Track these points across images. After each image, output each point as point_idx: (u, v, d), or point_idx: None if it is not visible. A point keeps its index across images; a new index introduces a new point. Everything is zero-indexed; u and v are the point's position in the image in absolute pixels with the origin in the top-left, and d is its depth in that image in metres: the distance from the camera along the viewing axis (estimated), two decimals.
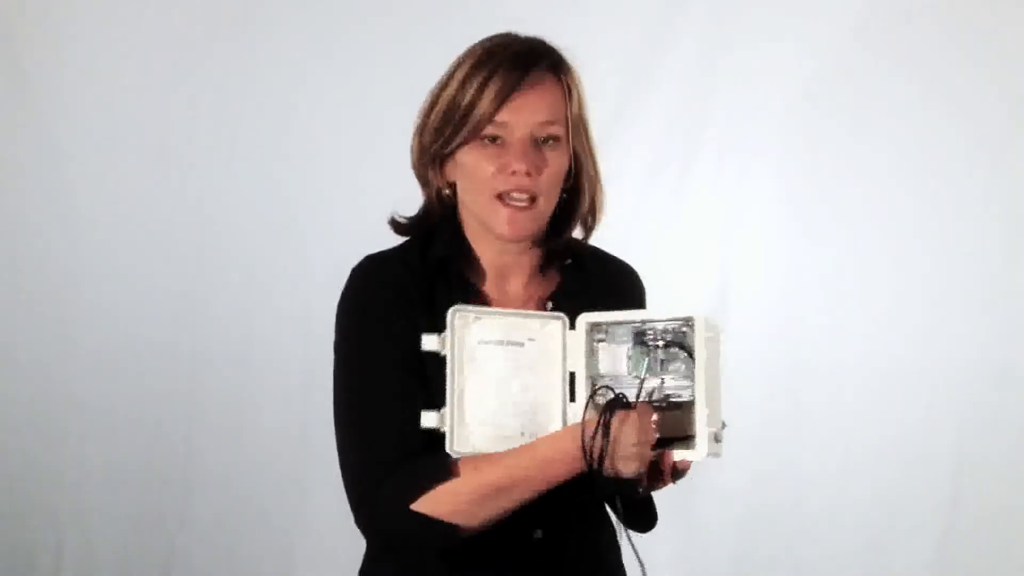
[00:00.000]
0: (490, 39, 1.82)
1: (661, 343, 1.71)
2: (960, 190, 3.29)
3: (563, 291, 1.85)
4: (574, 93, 1.82)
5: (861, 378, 3.30)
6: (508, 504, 1.69)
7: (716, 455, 1.68)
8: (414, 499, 1.67)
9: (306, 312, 3.24)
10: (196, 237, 3.39)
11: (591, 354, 1.73)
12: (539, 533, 1.80)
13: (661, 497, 1.81)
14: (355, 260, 1.86)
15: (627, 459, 1.63)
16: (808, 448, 3.30)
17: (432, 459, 1.68)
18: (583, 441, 1.63)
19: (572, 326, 1.73)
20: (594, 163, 1.86)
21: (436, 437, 1.70)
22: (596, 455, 1.62)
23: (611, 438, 1.62)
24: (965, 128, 3.28)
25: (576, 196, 1.85)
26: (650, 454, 1.65)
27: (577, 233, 1.90)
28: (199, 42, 3.37)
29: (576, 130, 1.81)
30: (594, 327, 1.73)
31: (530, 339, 1.73)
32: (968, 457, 3.27)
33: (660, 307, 1.73)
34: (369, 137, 3.27)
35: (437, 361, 1.71)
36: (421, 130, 1.82)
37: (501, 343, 1.72)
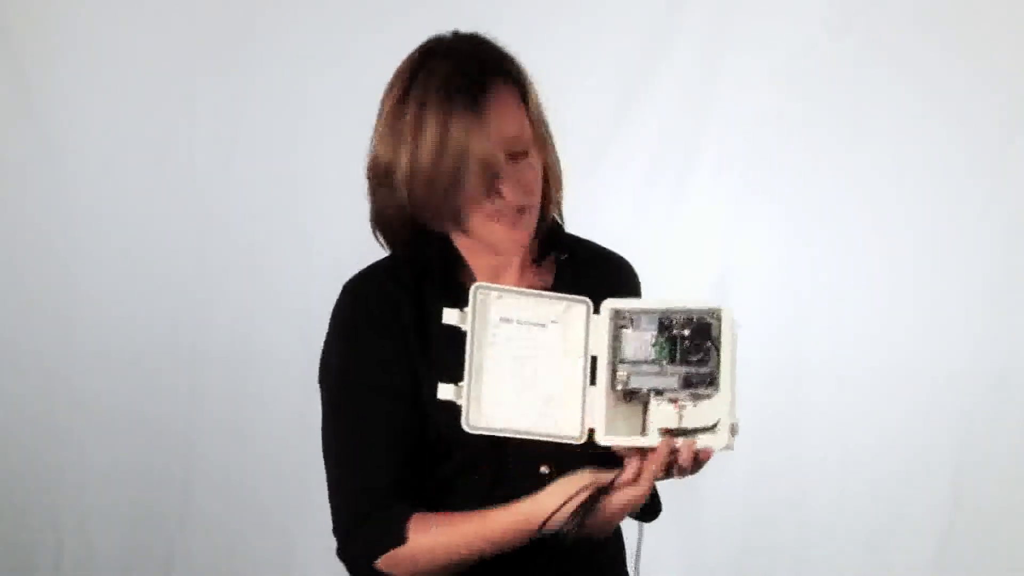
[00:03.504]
0: (425, 55, 1.80)
1: (687, 332, 1.72)
2: (959, 191, 3.29)
3: (560, 284, 1.86)
4: (529, 91, 1.80)
5: (861, 377, 3.30)
6: (467, 563, 1.72)
7: (730, 448, 1.70)
8: (376, 558, 1.72)
9: (307, 311, 3.24)
10: (197, 236, 3.39)
11: (614, 339, 1.74)
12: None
13: (662, 492, 1.82)
14: (357, 259, 1.86)
15: (619, 516, 1.68)
16: (808, 446, 3.31)
17: (390, 521, 1.71)
18: (544, 529, 1.67)
19: (596, 310, 1.74)
20: (552, 145, 1.84)
21: (414, 481, 1.74)
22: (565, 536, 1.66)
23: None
24: (963, 130, 3.28)
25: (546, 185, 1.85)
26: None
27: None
28: (200, 41, 3.37)
29: (536, 122, 1.80)
30: (617, 313, 1.74)
31: (553, 321, 1.74)
32: (969, 455, 3.27)
33: (686, 297, 1.74)
34: (371, 135, 3.26)
35: (457, 334, 1.71)
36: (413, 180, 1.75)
37: (523, 323, 1.73)
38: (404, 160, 1.74)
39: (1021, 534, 3.26)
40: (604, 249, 1.95)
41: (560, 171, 1.85)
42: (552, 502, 1.67)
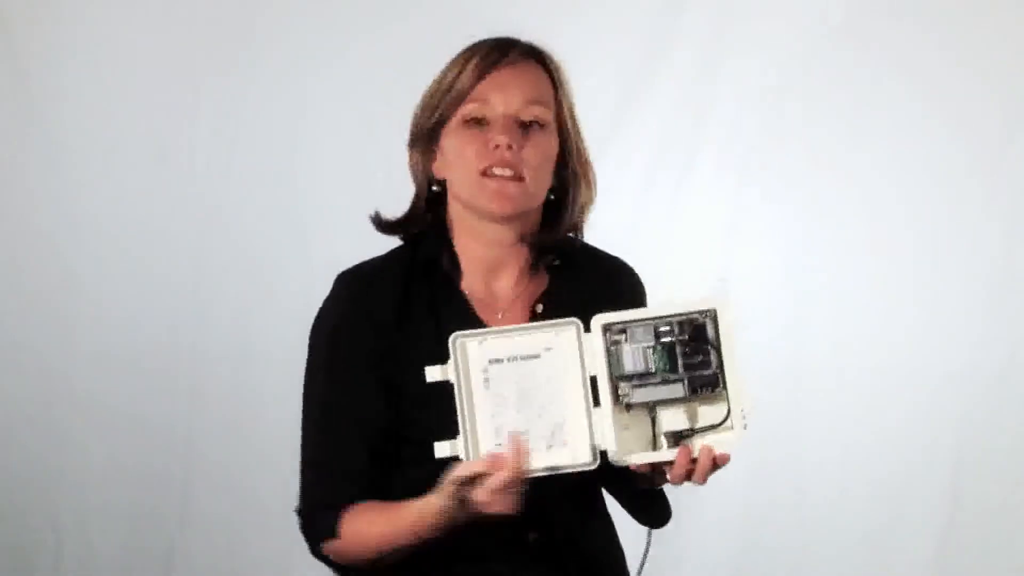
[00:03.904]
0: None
1: (686, 336, 1.69)
2: (959, 189, 3.29)
3: (553, 291, 1.85)
4: (561, 84, 1.83)
5: (861, 377, 3.30)
6: (402, 552, 1.74)
7: (740, 441, 1.69)
8: (319, 544, 1.80)
9: (307, 312, 3.22)
10: (196, 236, 3.39)
11: (611, 355, 1.70)
12: (533, 535, 1.80)
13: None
14: (356, 260, 1.87)
15: (492, 505, 1.65)
16: (808, 446, 3.31)
17: (329, 515, 1.77)
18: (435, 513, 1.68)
19: (587, 328, 1.70)
20: (585, 156, 1.86)
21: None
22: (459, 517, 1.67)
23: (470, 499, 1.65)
24: (963, 128, 3.28)
25: (567, 191, 1.85)
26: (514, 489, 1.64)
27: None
28: (200, 41, 3.37)
29: (564, 121, 1.82)
30: (609, 327, 1.70)
31: (547, 349, 1.69)
32: (969, 454, 3.28)
33: (676, 301, 1.72)
34: (371, 135, 3.27)
35: (447, 388, 1.68)
36: (412, 119, 1.86)
37: (515, 359, 1.69)
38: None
39: (1021, 533, 3.26)
40: (606, 254, 1.94)
41: (592, 188, 1.86)
42: (433, 499, 1.67)
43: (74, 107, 3.39)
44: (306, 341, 1.88)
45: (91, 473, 3.41)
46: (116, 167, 3.39)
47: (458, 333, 1.69)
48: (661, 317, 1.70)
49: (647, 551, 1.81)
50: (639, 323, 1.70)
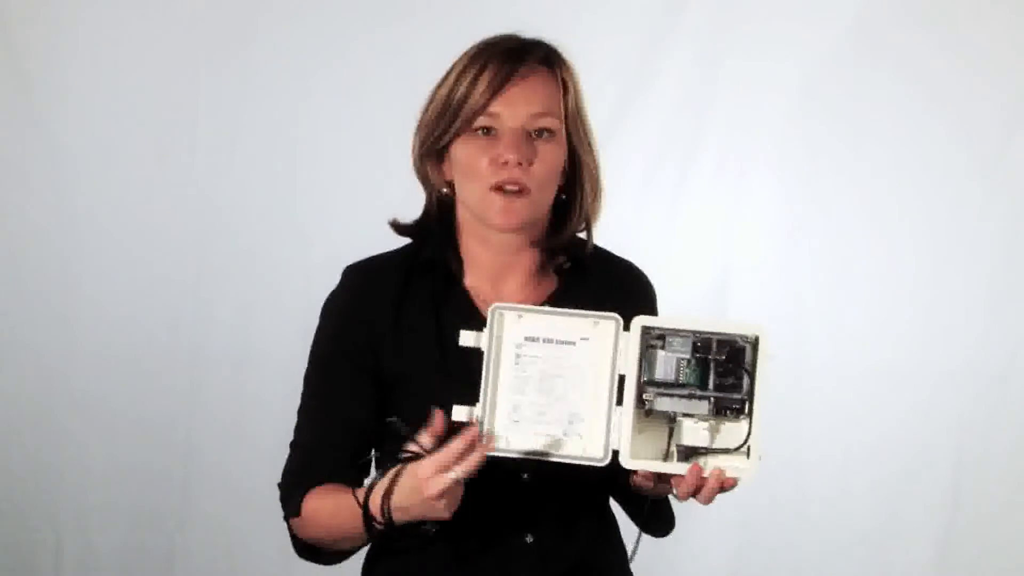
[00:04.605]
0: (489, 37, 1.84)
1: (723, 356, 1.67)
2: (959, 190, 3.30)
3: (562, 293, 1.84)
4: (569, 87, 1.82)
5: (861, 377, 3.31)
6: (349, 537, 1.76)
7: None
8: (287, 518, 1.86)
9: (307, 311, 3.22)
10: (196, 236, 3.39)
11: (643, 358, 1.69)
12: (530, 538, 1.80)
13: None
14: (355, 258, 1.87)
15: (412, 509, 1.63)
16: (808, 446, 3.31)
17: (297, 493, 1.81)
18: (366, 504, 1.67)
19: (626, 327, 1.69)
20: (593, 158, 1.85)
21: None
22: (381, 516, 1.66)
23: (394, 495, 1.64)
24: (963, 129, 3.29)
25: (575, 193, 1.85)
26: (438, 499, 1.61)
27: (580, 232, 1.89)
28: (200, 40, 3.37)
29: (573, 124, 1.81)
30: (649, 330, 1.69)
31: (582, 338, 1.69)
32: (968, 454, 3.28)
33: (721, 319, 1.72)
34: (371, 135, 3.27)
35: (477, 355, 1.68)
36: (419, 127, 1.84)
37: (550, 342, 1.69)
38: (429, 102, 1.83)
39: (1020, 533, 3.27)
40: (618, 258, 1.94)
41: (599, 191, 1.86)
42: (374, 479, 1.68)
43: (74, 107, 3.39)
44: (305, 341, 1.90)
45: (91, 473, 3.41)
46: (116, 167, 3.39)
47: (498, 304, 1.69)
48: (703, 332, 1.68)
49: (639, 539, 1.83)
50: (680, 333, 1.68)
